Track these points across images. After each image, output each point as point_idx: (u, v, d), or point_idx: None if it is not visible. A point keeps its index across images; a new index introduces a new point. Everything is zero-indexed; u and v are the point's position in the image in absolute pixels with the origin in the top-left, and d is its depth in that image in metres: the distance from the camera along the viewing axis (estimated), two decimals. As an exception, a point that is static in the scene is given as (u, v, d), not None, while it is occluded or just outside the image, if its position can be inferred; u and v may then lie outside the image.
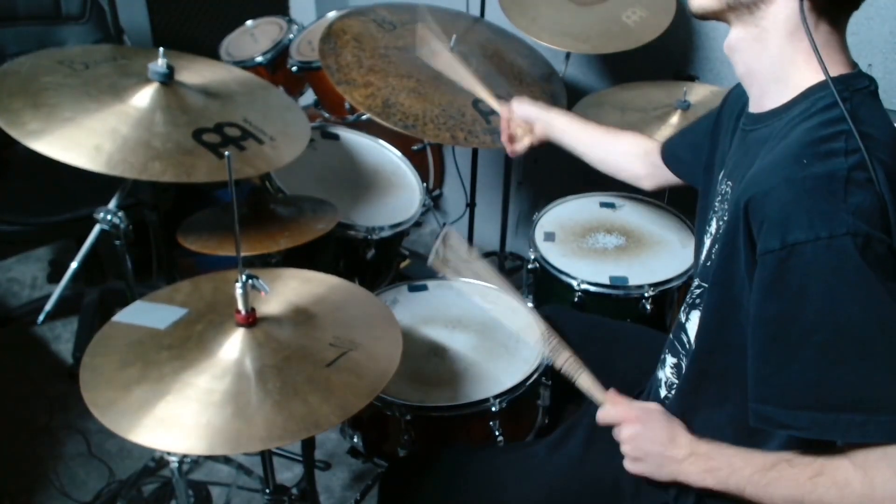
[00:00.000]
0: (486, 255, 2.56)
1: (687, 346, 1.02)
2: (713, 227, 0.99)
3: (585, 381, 1.06)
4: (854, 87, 0.85)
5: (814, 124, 0.82)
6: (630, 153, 1.40)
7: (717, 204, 0.99)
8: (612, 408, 1.02)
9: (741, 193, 0.82)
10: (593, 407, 1.16)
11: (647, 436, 0.97)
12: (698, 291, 0.99)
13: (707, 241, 1.01)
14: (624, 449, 0.99)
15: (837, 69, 0.85)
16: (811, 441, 0.81)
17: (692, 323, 1.01)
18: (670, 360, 1.07)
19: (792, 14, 0.83)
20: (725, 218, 0.92)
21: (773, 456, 0.84)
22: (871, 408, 0.75)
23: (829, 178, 0.76)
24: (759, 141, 0.90)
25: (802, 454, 0.83)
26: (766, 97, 0.90)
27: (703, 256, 1.02)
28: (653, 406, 1.01)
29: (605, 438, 1.10)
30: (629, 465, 0.98)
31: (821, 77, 0.83)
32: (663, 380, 1.09)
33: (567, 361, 1.08)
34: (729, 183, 0.96)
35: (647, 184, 1.40)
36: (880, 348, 0.75)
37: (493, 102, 1.52)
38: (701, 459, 0.91)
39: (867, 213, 0.74)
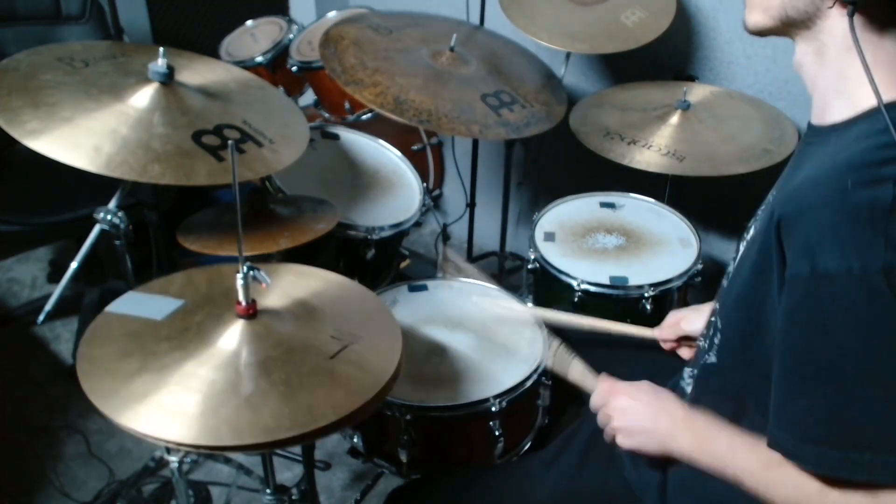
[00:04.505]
0: (486, 255, 2.56)
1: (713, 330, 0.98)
2: (750, 234, 0.95)
3: (577, 369, 1.07)
4: None
5: (867, 146, 0.76)
6: None
7: (759, 211, 0.96)
8: (603, 386, 1.02)
9: (775, 207, 0.79)
10: (587, 422, 1.17)
11: (635, 407, 0.97)
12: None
13: (742, 248, 0.96)
14: (614, 423, 0.98)
15: None
16: None
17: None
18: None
19: (848, 28, 0.79)
20: (761, 228, 0.88)
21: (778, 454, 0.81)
22: (882, 448, 0.73)
23: (870, 208, 0.71)
24: (811, 155, 0.86)
25: None
26: (829, 111, 0.85)
27: (735, 263, 0.97)
28: (642, 383, 1.01)
29: (599, 453, 1.10)
30: (620, 440, 0.98)
31: (892, 97, 0.78)
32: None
33: (557, 351, 1.08)
34: (773, 192, 0.93)
35: None
36: None
37: (641, 332, 1.32)
38: (697, 436, 0.90)
39: None
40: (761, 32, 0.89)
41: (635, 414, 0.97)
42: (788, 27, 0.86)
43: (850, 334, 0.73)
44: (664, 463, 0.99)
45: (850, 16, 0.78)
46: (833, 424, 0.75)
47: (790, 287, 0.76)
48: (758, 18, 0.88)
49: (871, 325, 0.72)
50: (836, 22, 0.81)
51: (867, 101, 0.80)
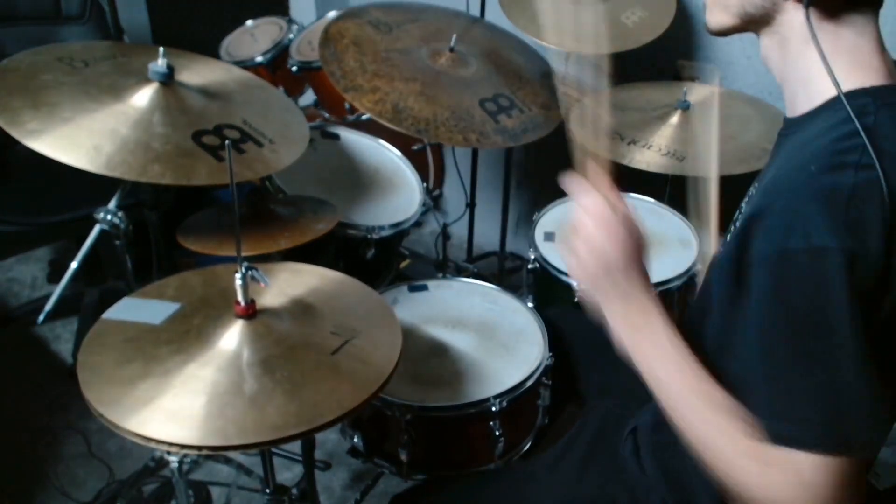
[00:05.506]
0: (486, 255, 2.56)
1: None
2: (735, 228, 0.97)
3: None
4: (886, 99, 0.80)
5: (833, 137, 0.78)
6: None
7: (743, 205, 0.97)
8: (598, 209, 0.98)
9: (751, 208, 0.81)
10: (588, 426, 1.17)
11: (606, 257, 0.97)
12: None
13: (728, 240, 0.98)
14: (582, 254, 0.97)
15: (872, 77, 0.81)
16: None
17: None
18: None
19: (805, 21, 0.81)
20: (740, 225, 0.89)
21: (697, 367, 0.84)
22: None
23: (831, 190, 0.74)
24: (781, 148, 0.88)
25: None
26: (797, 102, 0.88)
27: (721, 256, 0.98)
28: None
29: (601, 460, 1.11)
30: (576, 274, 0.97)
31: (851, 85, 0.80)
32: None
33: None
34: (756, 185, 0.94)
35: None
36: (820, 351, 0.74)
37: None
38: (637, 310, 0.95)
39: (864, 231, 0.72)
40: (724, 32, 0.91)
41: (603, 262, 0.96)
42: (749, 23, 0.88)
43: (808, 305, 0.73)
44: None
45: (806, 7, 0.81)
46: (818, 400, 0.74)
47: (758, 271, 0.78)
48: (719, 18, 0.90)
49: (824, 302, 0.72)
50: (793, 15, 0.83)
51: (830, 91, 0.82)
